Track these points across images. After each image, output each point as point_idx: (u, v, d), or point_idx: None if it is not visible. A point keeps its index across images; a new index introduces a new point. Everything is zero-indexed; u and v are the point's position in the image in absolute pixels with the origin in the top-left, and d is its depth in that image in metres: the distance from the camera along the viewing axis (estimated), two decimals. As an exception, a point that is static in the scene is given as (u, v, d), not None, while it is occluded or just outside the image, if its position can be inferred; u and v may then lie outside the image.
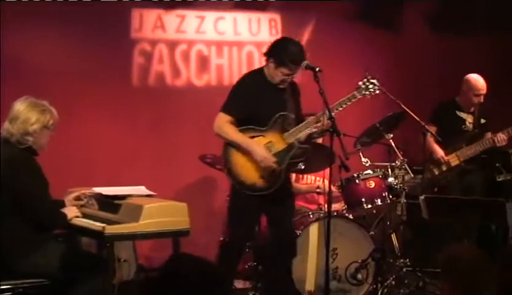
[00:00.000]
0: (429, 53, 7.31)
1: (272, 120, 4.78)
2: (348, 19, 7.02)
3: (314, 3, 6.80)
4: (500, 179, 6.49)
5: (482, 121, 6.22)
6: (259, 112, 4.76)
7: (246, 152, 4.73)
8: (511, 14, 7.26)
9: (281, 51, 4.70)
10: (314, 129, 4.85)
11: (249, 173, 4.74)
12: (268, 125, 4.78)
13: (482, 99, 6.15)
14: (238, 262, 5.00)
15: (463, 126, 6.22)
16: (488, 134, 6.18)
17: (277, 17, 6.81)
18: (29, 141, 4.18)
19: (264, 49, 4.84)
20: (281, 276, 5.02)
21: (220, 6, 6.60)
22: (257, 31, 6.70)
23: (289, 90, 4.87)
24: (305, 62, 4.81)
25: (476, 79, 6.17)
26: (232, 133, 4.74)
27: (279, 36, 6.73)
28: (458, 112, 6.25)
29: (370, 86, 4.87)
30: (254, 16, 6.74)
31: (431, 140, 6.19)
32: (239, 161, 4.75)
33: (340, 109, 4.77)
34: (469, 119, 6.25)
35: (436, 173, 6.18)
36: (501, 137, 6.02)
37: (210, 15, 6.60)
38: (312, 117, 4.81)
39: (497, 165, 6.43)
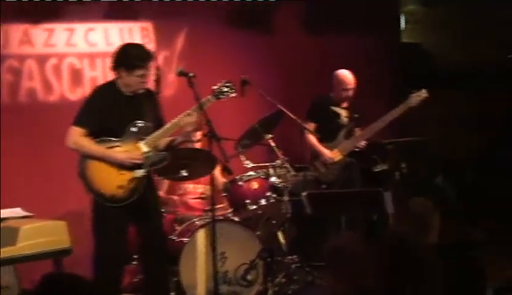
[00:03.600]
0: (304, 52, 7.46)
1: (127, 130, 4.76)
2: (221, 23, 7.03)
3: (186, 10, 6.78)
4: (377, 170, 6.72)
5: (356, 116, 6.42)
6: (113, 123, 4.75)
7: (103, 164, 4.70)
8: (377, 14, 7.55)
9: (127, 56, 4.73)
10: (171, 137, 4.92)
11: (107, 185, 4.71)
12: (124, 135, 4.76)
13: (350, 93, 6.36)
14: (118, 275, 4.91)
15: (339, 120, 6.40)
16: (358, 131, 6.40)
17: (149, 26, 6.72)
18: None
19: (110, 63, 4.84)
20: (155, 283, 5.00)
21: (89, 17, 6.45)
22: (130, 40, 6.56)
23: (145, 97, 4.85)
24: (179, 69, 4.84)
25: (344, 75, 6.38)
26: (88, 145, 4.71)
27: (152, 45, 6.70)
28: (333, 107, 6.43)
29: (225, 89, 4.95)
30: (125, 26, 6.62)
31: (313, 139, 6.32)
32: (96, 173, 4.72)
33: (196, 112, 4.82)
34: (344, 113, 6.44)
35: (323, 170, 6.32)
36: (360, 145, 6.27)
37: (80, 27, 6.43)
38: (169, 123, 4.83)
39: (373, 156, 6.65)
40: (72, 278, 2.09)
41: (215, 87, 4.94)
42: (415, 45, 8.10)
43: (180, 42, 6.86)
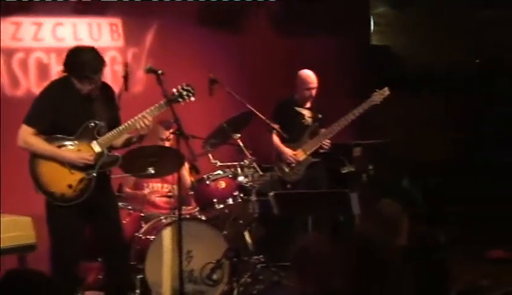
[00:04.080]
0: (274, 52, 7.47)
1: (80, 129, 4.69)
2: (191, 21, 7.02)
3: (156, 7, 6.73)
4: (344, 171, 6.75)
5: (319, 116, 6.45)
6: (65, 122, 4.66)
7: (53, 163, 4.62)
8: (348, 16, 7.59)
9: (78, 66, 4.59)
10: (128, 135, 4.85)
11: (58, 184, 4.63)
12: (76, 134, 4.69)
13: (313, 93, 6.39)
14: (75, 274, 4.85)
15: (303, 120, 6.43)
16: (322, 131, 6.41)
17: (118, 21, 6.67)
18: None
19: (61, 66, 4.72)
20: (117, 281, 4.96)
21: (58, 12, 6.38)
22: (98, 36, 6.53)
23: (100, 95, 4.76)
24: (148, 66, 4.79)
25: (307, 74, 6.41)
26: (38, 144, 4.62)
27: (121, 41, 6.67)
28: (297, 108, 6.45)
29: (184, 93, 4.89)
30: (94, 21, 6.56)
31: (276, 139, 6.33)
32: (46, 172, 4.63)
33: (151, 115, 4.75)
34: (307, 114, 6.46)
35: (287, 170, 6.33)
36: (324, 145, 6.28)
37: (48, 21, 6.36)
38: (123, 125, 4.76)
39: (340, 157, 6.68)
40: (35, 274, 2.07)
41: (174, 90, 4.87)
42: (384, 47, 8.16)
43: (149, 39, 6.83)
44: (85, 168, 4.67)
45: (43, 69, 6.39)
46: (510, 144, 7.55)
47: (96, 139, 4.72)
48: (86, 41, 6.51)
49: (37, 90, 6.31)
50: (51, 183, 4.64)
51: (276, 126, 6.25)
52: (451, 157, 7.76)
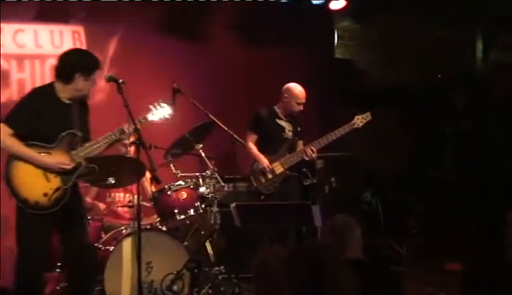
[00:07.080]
0: (237, 62, 7.45)
1: (59, 138, 4.67)
2: (154, 30, 6.98)
3: (119, 15, 6.70)
4: (307, 183, 6.74)
5: (298, 129, 6.44)
6: (44, 129, 4.65)
7: (30, 168, 4.59)
8: (313, 28, 7.61)
9: (84, 61, 4.67)
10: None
11: (33, 191, 4.59)
12: (55, 142, 4.66)
13: (302, 107, 6.37)
14: (39, 284, 4.77)
15: (283, 133, 6.39)
16: (300, 144, 6.41)
17: (80, 29, 6.61)
18: None
19: (60, 69, 4.71)
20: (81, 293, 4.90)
21: (19, 18, 6.31)
22: (60, 43, 6.47)
23: (77, 107, 4.78)
24: (108, 75, 4.79)
25: (299, 89, 6.36)
26: (16, 145, 4.59)
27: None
28: (277, 120, 6.41)
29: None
30: (56, 28, 6.50)
31: (254, 149, 6.29)
32: (22, 178, 4.59)
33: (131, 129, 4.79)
34: (288, 127, 6.43)
35: (263, 181, 6.28)
36: (309, 152, 6.27)
37: (8, 27, 6.29)
38: (102, 137, 4.78)
39: (304, 169, 6.67)
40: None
41: (151, 106, 4.96)
42: (347, 61, 8.20)
43: (112, 47, 6.77)
44: (62, 176, 4.63)
45: (3, 75, 6.32)
46: (466, 160, 7.66)
47: (74, 149, 4.70)
48: (47, 48, 6.47)
49: (-4, 96, 6.25)
50: (26, 189, 4.59)
51: (251, 137, 6.22)
52: (411, 171, 7.82)
